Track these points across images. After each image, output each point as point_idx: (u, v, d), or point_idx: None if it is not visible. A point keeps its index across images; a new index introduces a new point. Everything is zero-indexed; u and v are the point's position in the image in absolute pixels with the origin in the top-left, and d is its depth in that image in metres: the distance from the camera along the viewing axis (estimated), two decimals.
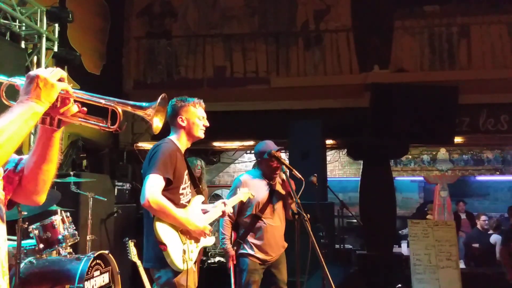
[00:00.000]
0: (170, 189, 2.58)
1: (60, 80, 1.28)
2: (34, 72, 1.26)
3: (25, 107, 1.21)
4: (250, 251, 3.52)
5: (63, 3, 5.68)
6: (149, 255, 2.64)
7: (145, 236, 2.69)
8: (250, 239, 3.54)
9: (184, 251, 2.54)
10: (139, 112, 1.35)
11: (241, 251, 3.53)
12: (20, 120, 1.18)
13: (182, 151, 2.73)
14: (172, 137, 2.74)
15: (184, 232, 2.60)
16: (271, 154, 3.46)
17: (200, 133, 2.74)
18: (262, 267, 3.57)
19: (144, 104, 1.36)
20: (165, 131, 2.79)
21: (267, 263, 3.58)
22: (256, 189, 3.56)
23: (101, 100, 1.34)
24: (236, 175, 10.86)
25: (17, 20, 5.09)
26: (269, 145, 3.57)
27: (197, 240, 2.68)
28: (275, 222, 3.61)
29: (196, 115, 2.73)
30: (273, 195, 3.63)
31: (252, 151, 10.09)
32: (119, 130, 1.38)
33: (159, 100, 1.36)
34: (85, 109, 1.36)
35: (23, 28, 5.23)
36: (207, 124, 2.77)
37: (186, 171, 2.74)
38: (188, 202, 2.73)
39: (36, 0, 5.18)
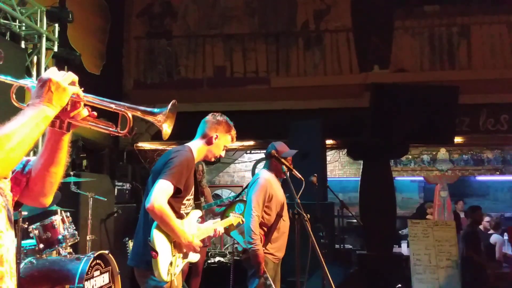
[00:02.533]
0: (175, 198, 2.59)
1: (71, 84, 1.29)
2: (46, 75, 1.26)
3: (37, 110, 1.22)
4: (272, 251, 3.54)
5: (63, 3, 5.67)
6: (138, 254, 2.64)
7: (136, 234, 2.70)
8: (273, 238, 3.56)
9: (171, 263, 2.55)
10: (149, 118, 1.36)
11: (265, 250, 3.53)
12: (32, 123, 1.19)
13: (195, 163, 2.73)
14: (193, 145, 2.73)
15: (176, 245, 2.60)
16: (271, 154, 3.48)
17: (212, 158, 2.82)
18: (277, 265, 3.62)
19: (155, 110, 1.36)
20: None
21: (279, 261, 3.63)
22: (277, 190, 3.61)
23: (112, 105, 1.34)
24: (236, 175, 10.96)
25: (17, 20, 5.09)
26: (282, 147, 3.62)
27: (185, 256, 2.70)
28: (288, 222, 3.67)
29: (226, 143, 2.81)
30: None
31: (253, 151, 10.12)
32: (129, 135, 1.39)
33: (169, 106, 1.37)
34: (95, 113, 1.37)
35: (23, 28, 5.23)
36: (223, 155, 2.84)
37: (194, 184, 2.77)
38: (187, 214, 2.75)
39: (36, 0, 5.18)
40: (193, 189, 2.75)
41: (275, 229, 3.56)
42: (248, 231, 3.41)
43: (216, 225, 2.96)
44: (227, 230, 3.58)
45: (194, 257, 2.81)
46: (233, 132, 2.82)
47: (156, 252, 2.47)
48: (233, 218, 3.30)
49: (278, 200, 3.59)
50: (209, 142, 2.73)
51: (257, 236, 3.39)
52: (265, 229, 3.57)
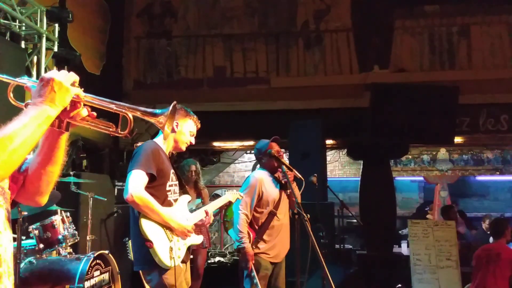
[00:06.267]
0: (156, 186, 2.59)
1: (72, 84, 1.28)
2: (49, 75, 1.25)
3: (39, 110, 1.20)
4: (264, 250, 3.52)
5: (63, 3, 5.67)
6: (138, 257, 2.64)
7: (131, 237, 2.70)
8: (265, 237, 3.54)
9: (171, 248, 2.54)
10: (151, 119, 1.35)
11: (256, 249, 3.51)
12: (34, 124, 1.17)
13: (165, 153, 2.74)
14: (158, 139, 2.76)
15: (170, 229, 2.60)
16: (271, 154, 3.50)
17: (183, 146, 2.81)
18: (272, 265, 3.57)
19: (156, 111, 1.35)
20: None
21: (276, 260, 3.59)
22: (269, 187, 3.58)
23: (112, 105, 1.33)
24: (236, 175, 10.95)
25: (17, 20, 5.09)
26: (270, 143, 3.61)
27: (184, 238, 2.68)
28: (286, 220, 3.64)
29: (190, 129, 2.82)
30: (281, 193, 3.64)
31: (252, 151, 10.11)
32: (129, 136, 1.38)
33: (170, 107, 1.36)
34: (94, 113, 1.36)
35: (23, 28, 5.23)
36: (193, 142, 2.85)
37: (172, 170, 2.75)
38: (176, 200, 2.74)
39: (36, 0, 5.18)
40: (174, 175, 2.75)
41: (267, 227, 3.54)
42: (236, 230, 3.48)
43: (208, 207, 2.95)
44: (226, 228, 3.59)
45: (196, 240, 2.79)
46: (193, 117, 2.84)
47: (150, 241, 2.46)
48: (231, 195, 3.31)
49: (271, 198, 3.56)
50: (172, 130, 2.73)
51: (243, 234, 3.44)
52: (256, 227, 3.56)
